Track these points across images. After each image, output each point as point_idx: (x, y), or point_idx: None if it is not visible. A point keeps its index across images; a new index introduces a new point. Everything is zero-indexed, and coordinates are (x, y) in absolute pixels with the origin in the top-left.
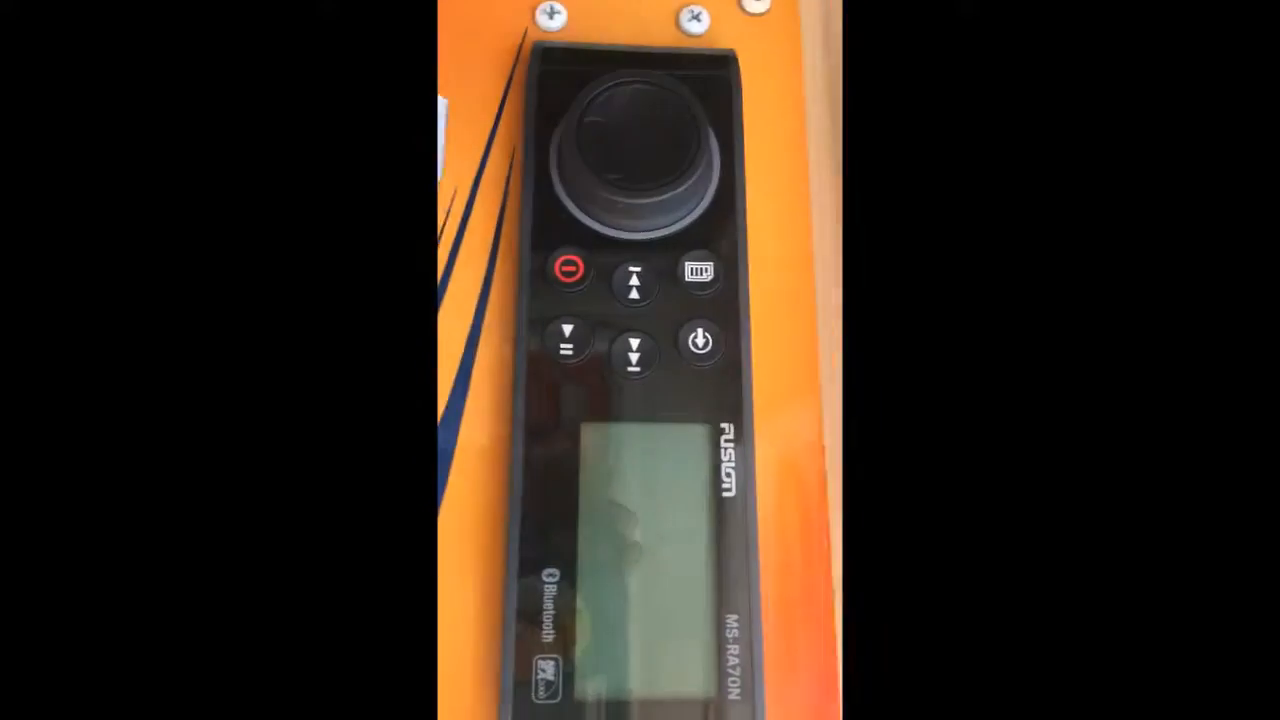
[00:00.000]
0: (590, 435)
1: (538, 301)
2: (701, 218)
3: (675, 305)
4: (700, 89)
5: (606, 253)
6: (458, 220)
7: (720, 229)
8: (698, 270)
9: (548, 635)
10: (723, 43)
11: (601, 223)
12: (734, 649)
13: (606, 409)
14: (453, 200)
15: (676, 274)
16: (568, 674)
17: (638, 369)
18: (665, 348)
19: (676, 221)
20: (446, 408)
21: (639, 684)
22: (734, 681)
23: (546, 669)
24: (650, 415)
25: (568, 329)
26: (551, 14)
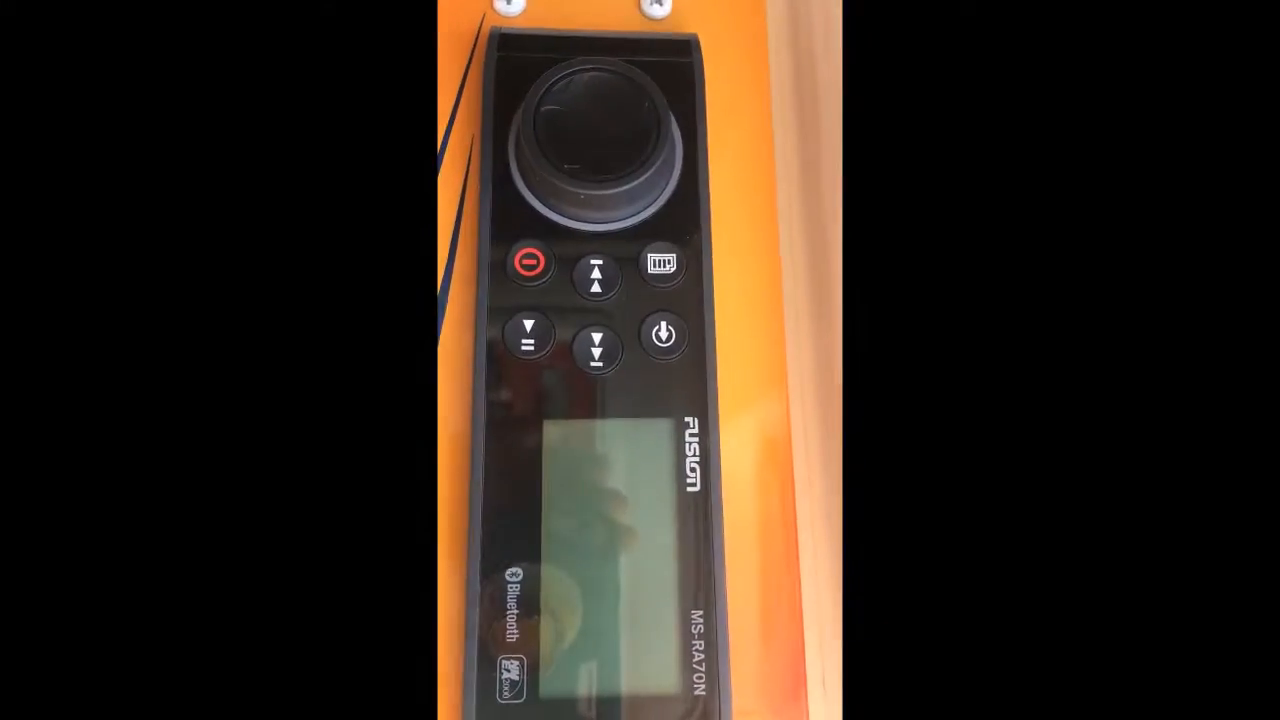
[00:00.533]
0: (553, 432)
1: (498, 295)
2: (664, 208)
3: (638, 298)
4: (661, 75)
5: (567, 245)
6: None
7: (683, 219)
8: (660, 262)
9: (512, 634)
10: (686, 27)
11: (561, 214)
12: (699, 645)
13: (569, 405)
14: None
15: (639, 266)
16: (532, 673)
17: (600, 364)
18: (628, 342)
19: (638, 212)
20: None
21: (604, 682)
22: (699, 678)
23: (511, 668)
24: (614, 411)
25: (529, 324)
26: None
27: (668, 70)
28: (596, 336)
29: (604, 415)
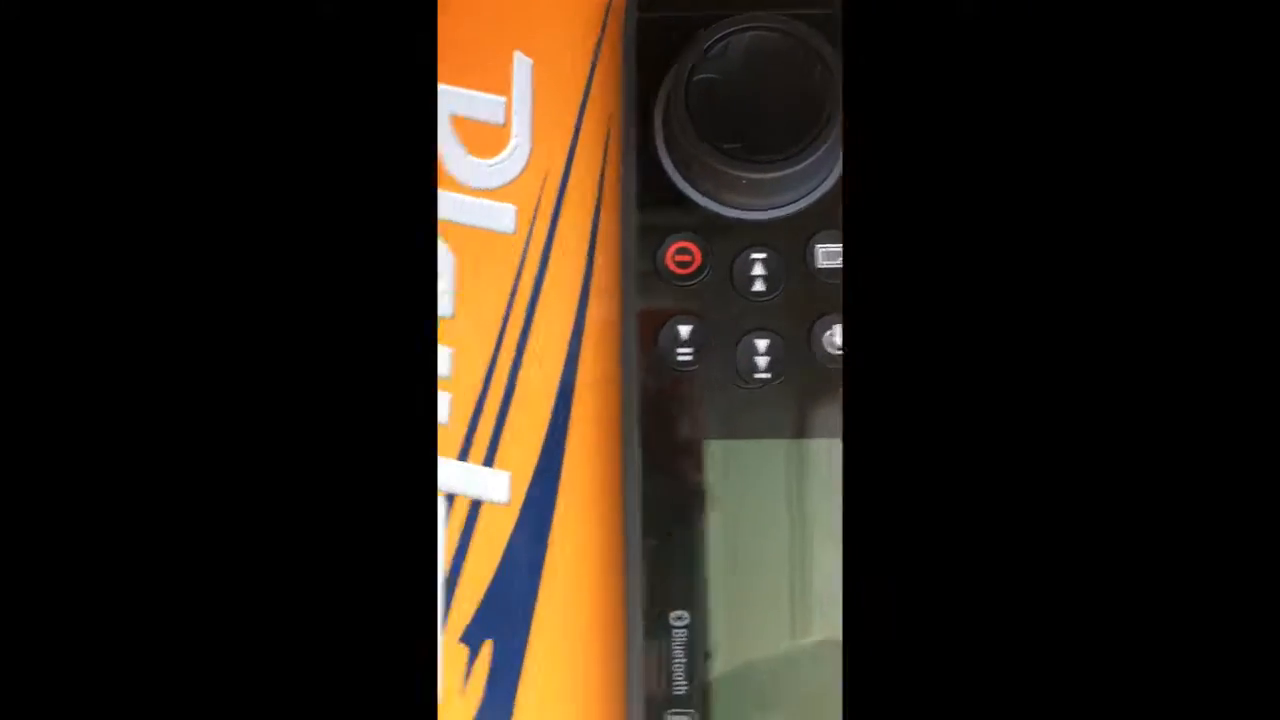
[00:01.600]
0: (716, 454)
1: (648, 298)
2: (835, 190)
3: (807, 297)
4: (832, 30)
5: (725, 237)
6: (550, 209)
7: None
8: (832, 254)
9: (679, 687)
10: None
11: (719, 202)
12: None
13: (733, 423)
14: (543, 186)
15: (807, 260)
16: None
17: (767, 375)
18: (797, 348)
19: (805, 196)
20: (550, 424)
21: None
22: None
23: None
24: (783, 429)
25: (685, 330)
26: None
27: (838, 23)
28: (761, 344)
29: (772, 434)
